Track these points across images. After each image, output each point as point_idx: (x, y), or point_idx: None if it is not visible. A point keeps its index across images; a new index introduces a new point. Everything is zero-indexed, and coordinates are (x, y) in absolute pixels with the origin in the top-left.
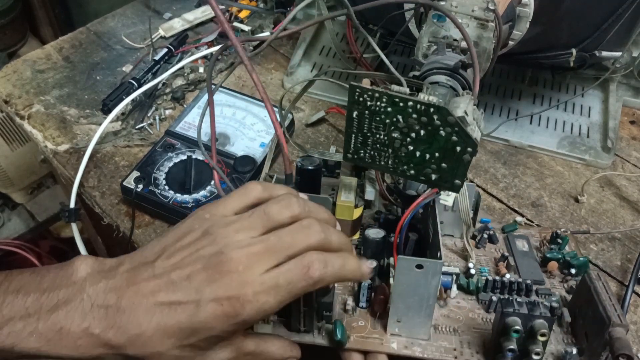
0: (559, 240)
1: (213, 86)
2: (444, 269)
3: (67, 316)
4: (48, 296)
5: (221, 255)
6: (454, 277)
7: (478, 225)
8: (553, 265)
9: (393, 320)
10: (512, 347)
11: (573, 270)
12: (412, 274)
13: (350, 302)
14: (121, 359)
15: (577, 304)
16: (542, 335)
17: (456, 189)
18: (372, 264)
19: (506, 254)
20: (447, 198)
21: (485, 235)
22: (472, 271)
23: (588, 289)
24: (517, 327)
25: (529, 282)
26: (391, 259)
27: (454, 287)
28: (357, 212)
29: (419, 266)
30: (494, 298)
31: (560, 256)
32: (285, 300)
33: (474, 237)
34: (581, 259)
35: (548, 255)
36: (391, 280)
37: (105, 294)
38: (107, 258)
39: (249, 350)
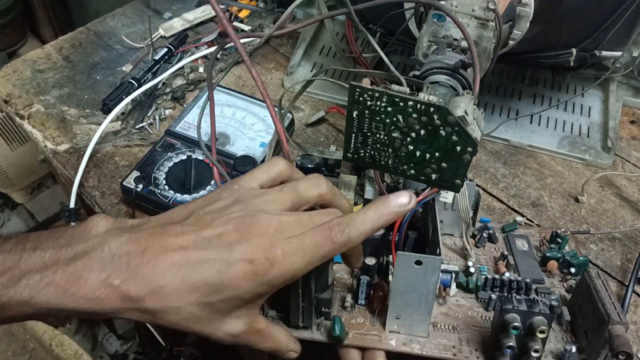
0: (559, 240)
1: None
2: (443, 266)
3: (86, 266)
4: (66, 250)
5: (253, 218)
6: (453, 275)
7: (478, 224)
8: (553, 265)
9: (392, 317)
10: (511, 344)
11: (573, 270)
12: (411, 270)
13: (349, 299)
14: (136, 314)
15: (576, 303)
16: (541, 332)
17: (456, 188)
18: (372, 261)
19: (506, 252)
20: (447, 195)
21: (484, 235)
22: (472, 270)
23: (588, 287)
24: (516, 324)
25: (528, 280)
26: (390, 257)
27: (453, 285)
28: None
29: (418, 262)
30: (493, 296)
31: (559, 255)
32: (313, 262)
33: (473, 236)
34: (581, 258)
35: (548, 255)
36: (390, 278)
37: (128, 246)
38: (126, 218)
39: (260, 327)
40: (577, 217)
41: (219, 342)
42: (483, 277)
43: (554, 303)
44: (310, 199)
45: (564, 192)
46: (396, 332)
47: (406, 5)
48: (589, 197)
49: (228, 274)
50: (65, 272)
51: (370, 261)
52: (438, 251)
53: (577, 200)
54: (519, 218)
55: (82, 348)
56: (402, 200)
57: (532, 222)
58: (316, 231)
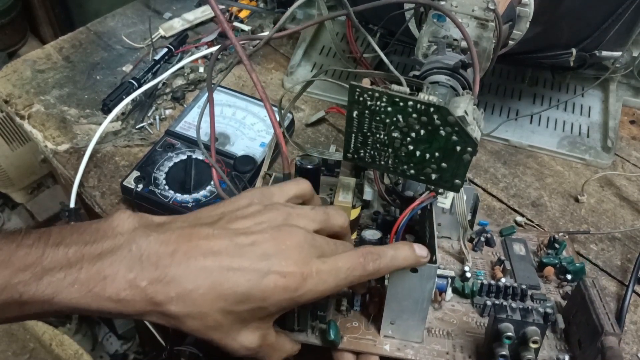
0: (557, 245)
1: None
2: (440, 272)
3: (112, 265)
4: (92, 247)
5: (290, 230)
6: (449, 280)
7: (476, 227)
8: (549, 271)
9: (387, 322)
10: (504, 353)
11: (569, 276)
12: (407, 277)
13: (344, 304)
14: (160, 317)
15: (571, 311)
16: (534, 342)
17: (456, 188)
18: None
19: (503, 257)
20: (444, 201)
21: (482, 239)
22: (468, 274)
23: (582, 296)
24: (509, 334)
25: (524, 286)
26: None
27: (449, 291)
28: (354, 213)
29: (414, 270)
30: (489, 302)
31: (556, 261)
32: (341, 285)
33: (471, 239)
34: (578, 265)
35: (545, 261)
36: (386, 282)
37: (157, 246)
38: (152, 215)
39: (271, 341)
40: (577, 217)
41: (231, 354)
42: (479, 282)
43: (549, 310)
44: (335, 227)
45: (564, 192)
46: (391, 337)
47: (406, 5)
48: (589, 197)
49: (260, 285)
50: (90, 271)
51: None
52: (434, 258)
53: (577, 200)
54: (519, 218)
55: (82, 348)
56: (424, 253)
57: (532, 222)
58: (350, 255)
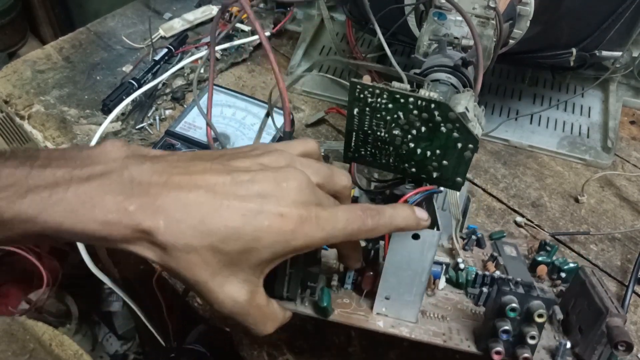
0: (548, 249)
1: (212, 85)
2: (435, 258)
3: (101, 186)
4: (81, 170)
5: (294, 173)
6: (444, 267)
7: (465, 231)
8: (542, 269)
9: (381, 297)
10: (507, 327)
11: (563, 275)
12: (408, 243)
13: (335, 281)
14: (145, 247)
15: (569, 302)
16: (540, 316)
17: (457, 186)
18: (362, 244)
19: (495, 253)
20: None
21: (473, 238)
22: (462, 265)
23: (582, 283)
24: (514, 305)
25: (519, 279)
26: (381, 242)
27: (443, 279)
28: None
29: (416, 236)
30: (485, 290)
31: (549, 261)
32: (337, 236)
33: (461, 239)
34: (571, 264)
35: (538, 259)
36: (381, 260)
37: (150, 174)
38: (146, 148)
39: (261, 301)
40: (577, 218)
41: (217, 309)
42: (473, 272)
43: (550, 296)
44: (338, 185)
45: (563, 192)
46: (384, 314)
47: (407, 1)
48: (588, 197)
49: (253, 222)
50: (78, 191)
51: (362, 243)
52: (436, 227)
53: (577, 200)
54: (519, 218)
55: (82, 348)
56: (425, 216)
57: (532, 222)
58: (349, 208)
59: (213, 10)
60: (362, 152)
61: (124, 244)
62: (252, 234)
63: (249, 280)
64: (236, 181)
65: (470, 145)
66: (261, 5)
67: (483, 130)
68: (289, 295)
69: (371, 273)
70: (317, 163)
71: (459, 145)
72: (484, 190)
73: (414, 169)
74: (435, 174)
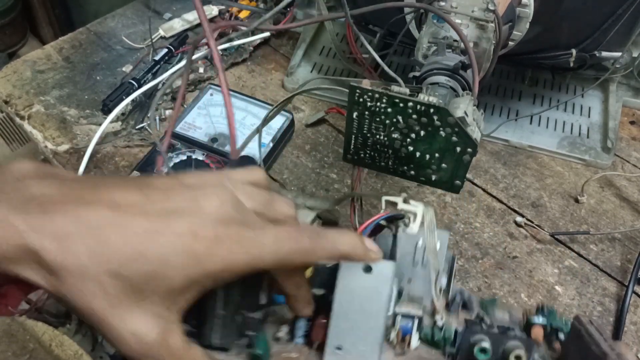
0: (545, 313)
1: (213, 86)
2: (403, 309)
3: None
4: None
5: (217, 189)
6: (416, 321)
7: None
8: (538, 332)
9: (332, 347)
10: None
11: (562, 336)
12: (359, 280)
13: (284, 331)
14: (34, 270)
15: (567, 355)
16: (518, 357)
17: (456, 189)
18: (320, 291)
19: (482, 314)
20: (412, 226)
21: (457, 300)
22: (440, 323)
23: (578, 332)
24: (484, 345)
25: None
26: None
27: (416, 336)
28: (309, 272)
29: (367, 268)
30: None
31: (546, 323)
32: (266, 260)
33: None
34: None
35: (533, 322)
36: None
37: (50, 190)
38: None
39: (175, 343)
40: (576, 218)
41: (121, 350)
42: (453, 328)
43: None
44: (278, 213)
45: (563, 192)
46: None
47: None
48: (588, 197)
49: (157, 242)
50: None
51: (319, 291)
52: (392, 259)
53: (577, 200)
54: (519, 219)
55: (82, 348)
56: (374, 248)
57: (532, 222)
58: (283, 227)
59: (213, 10)
60: (361, 155)
61: (7, 265)
62: (158, 256)
63: (160, 315)
64: (148, 199)
65: (469, 149)
66: (261, 5)
67: (482, 134)
68: (222, 343)
69: (324, 321)
70: (256, 190)
71: (458, 149)
72: (484, 190)
73: (412, 172)
74: (434, 177)
